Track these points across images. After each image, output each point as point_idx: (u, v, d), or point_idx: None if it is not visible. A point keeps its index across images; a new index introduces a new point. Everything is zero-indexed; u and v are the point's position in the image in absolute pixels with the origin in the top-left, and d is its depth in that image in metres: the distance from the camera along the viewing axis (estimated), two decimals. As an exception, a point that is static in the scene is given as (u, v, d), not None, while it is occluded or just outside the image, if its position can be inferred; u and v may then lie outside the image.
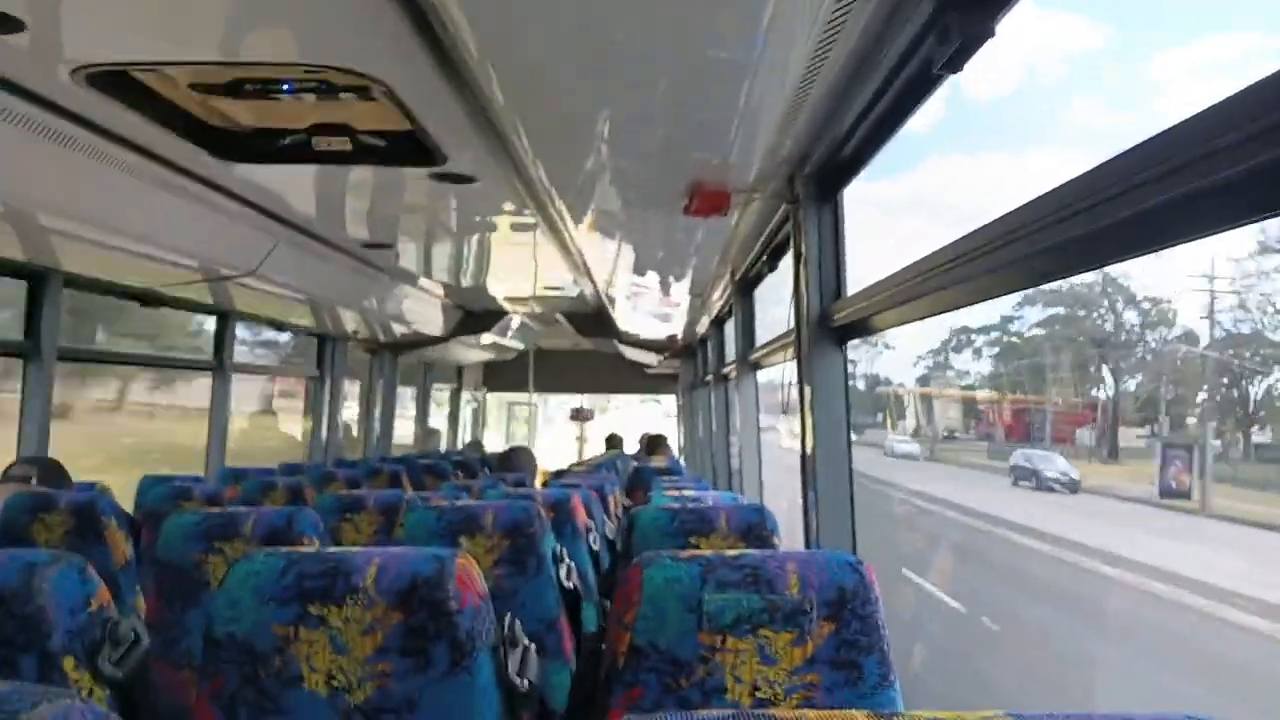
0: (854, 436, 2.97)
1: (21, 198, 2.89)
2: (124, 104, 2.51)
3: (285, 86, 2.62)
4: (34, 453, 3.83)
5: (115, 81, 2.41)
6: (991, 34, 1.59)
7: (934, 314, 2.12)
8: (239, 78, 2.55)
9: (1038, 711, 0.76)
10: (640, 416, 16.07)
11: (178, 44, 2.17)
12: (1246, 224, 1.03)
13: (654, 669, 1.44)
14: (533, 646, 1.58)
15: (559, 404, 15.45)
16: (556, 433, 15.87)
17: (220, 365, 5.54)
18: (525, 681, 1.52)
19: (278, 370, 7.73)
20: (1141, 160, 1.17)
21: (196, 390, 5.61)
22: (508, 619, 1.58)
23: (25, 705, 0.83)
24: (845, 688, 1.44)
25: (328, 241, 4.60)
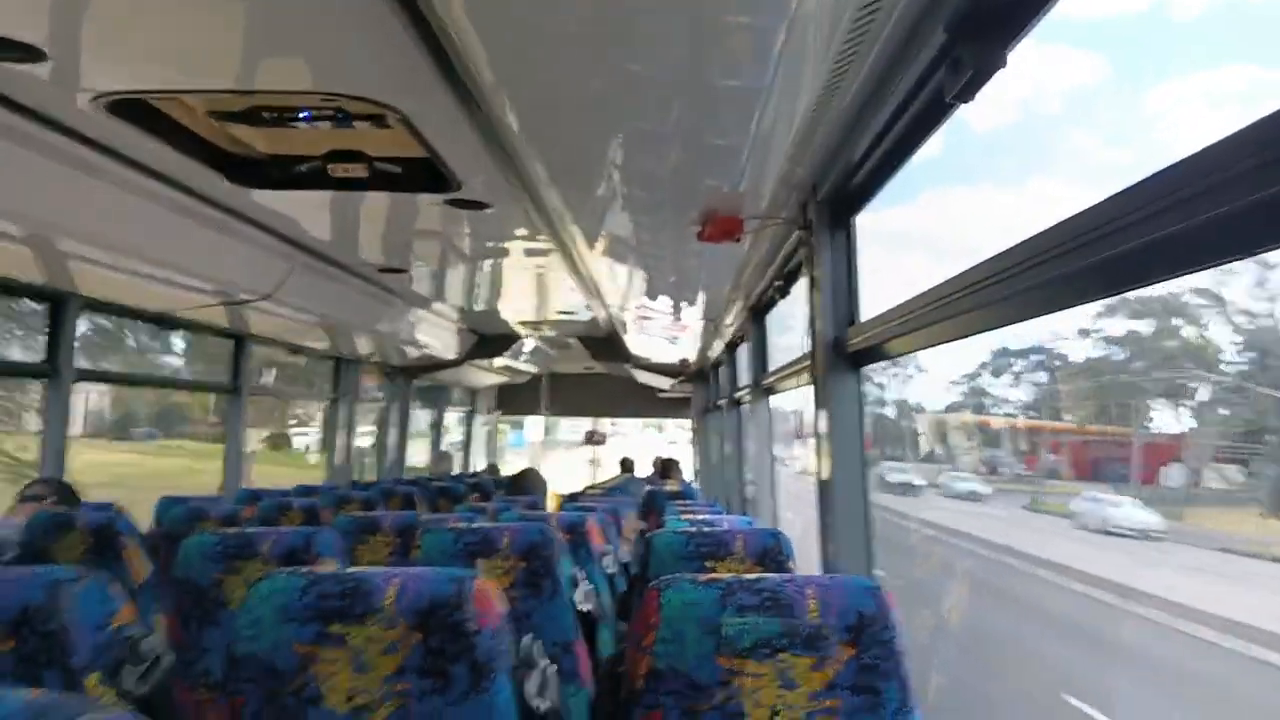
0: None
1: (42, 222, 2.94)
2: (143, 131, 2.56)
3: (302, 114, 2.67)
4: (52, 472, 3.86)
5: (134, 109, 2.45)
6: (1003, 64, 1.61)
7: (947, 340, 2.12)
8: (256, 105, 2.59)
9: None
10: (643, 442, 15.96)
11: (196, 73, 2.22)
12: (1252, 255, 1.05)
13: (673, 692, 1.44)
14: (553, 668, 1.59)
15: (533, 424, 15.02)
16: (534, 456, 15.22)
17: (237, 388, 5.58)
18: (544, 703, 1.52)
19: (294, 393, 7.77)
20: (1149, 193, 1.18)
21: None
22: (526, 640, 1.59)
23: (68, 716, 0.85)
24: (866, 713, 1.44)
25: (343, 266, 4.64)
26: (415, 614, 1.45)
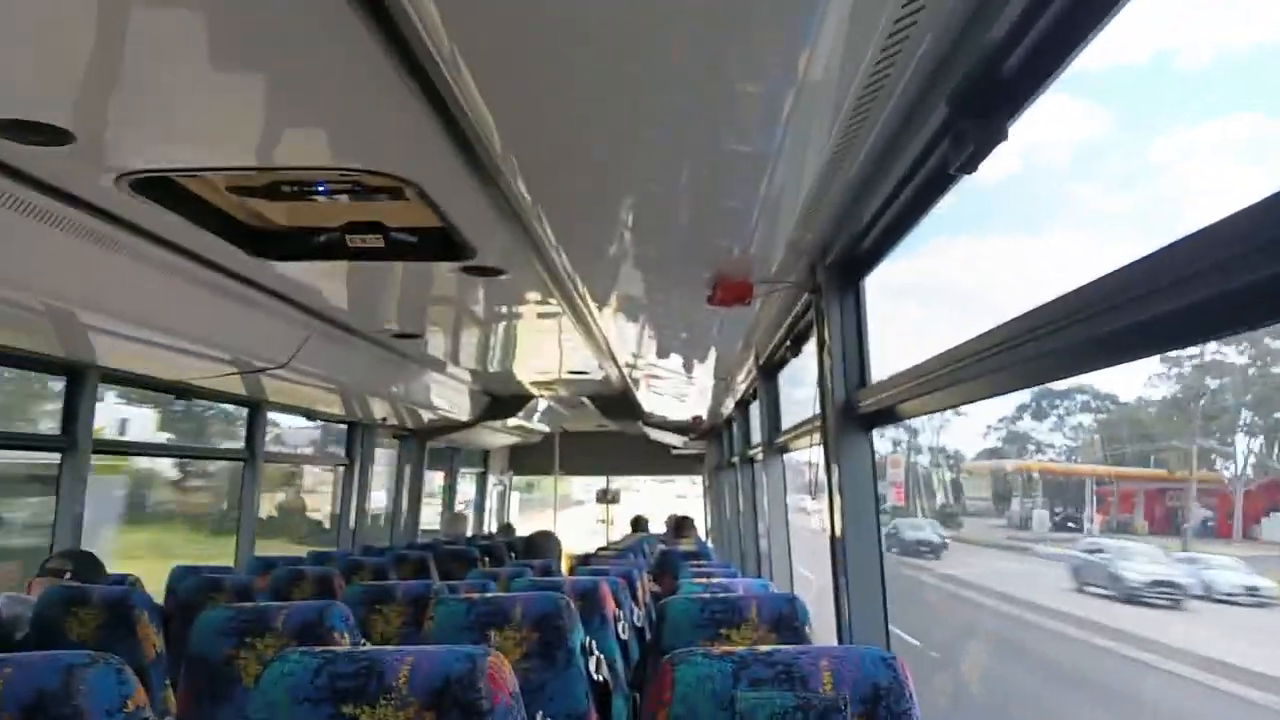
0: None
1: (65, 297, 2.98)
2: (165, 207, 2.60)
3: (320, 188, 2.71)
4: (69, 544, 3.87)
5: (157, 186, 2.49)
6: (1004, 137, 1.63)
7: (956, 405, 2.13)
8: (275, 180, 2.64)
9: None
10: (653, 498, 15.68)
11: (217, 151, 2.26)
12: (1260, 327, 1.05)
13: None
14: None
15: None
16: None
17: (251, 455, 5.60)
18: None
19: (308, 459, 7.78)
20: (1158, 265, 1.19)
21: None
22: (539, 716, 1.57)
23: None
24: None
25: (358, 333, 4.68)
26: (428, 694, 1.45)
